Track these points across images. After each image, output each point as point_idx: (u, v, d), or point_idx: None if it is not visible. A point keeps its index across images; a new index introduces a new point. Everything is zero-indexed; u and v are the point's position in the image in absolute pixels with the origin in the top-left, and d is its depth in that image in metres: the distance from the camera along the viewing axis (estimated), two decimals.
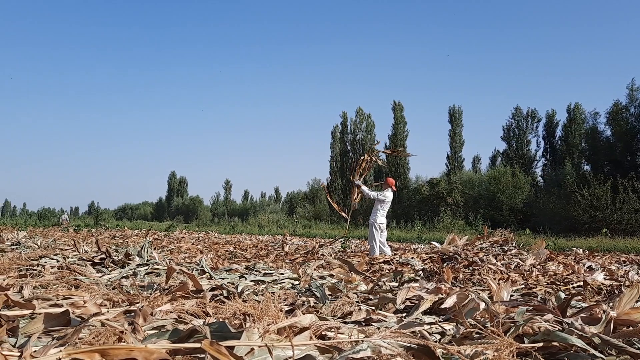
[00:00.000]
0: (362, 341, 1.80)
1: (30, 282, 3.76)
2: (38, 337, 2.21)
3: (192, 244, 11.20)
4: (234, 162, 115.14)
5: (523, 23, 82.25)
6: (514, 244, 8.61)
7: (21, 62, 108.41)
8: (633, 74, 50.12)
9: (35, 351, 1.88)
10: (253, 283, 4.08)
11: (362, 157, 9.78)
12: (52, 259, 5.36)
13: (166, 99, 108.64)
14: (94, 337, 2.13)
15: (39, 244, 8.59)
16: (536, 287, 4.48)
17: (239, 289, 3.62)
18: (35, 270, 4.64)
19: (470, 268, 5.89)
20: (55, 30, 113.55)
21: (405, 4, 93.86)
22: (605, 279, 5.17)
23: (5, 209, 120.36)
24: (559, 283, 4.99)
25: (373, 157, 9.86)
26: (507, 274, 5.38)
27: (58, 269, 4.65)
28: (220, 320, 2.50)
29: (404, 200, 38.29)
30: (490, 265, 5.85)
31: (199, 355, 1.89)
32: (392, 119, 42.66)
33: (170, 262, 5.19)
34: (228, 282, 3.99)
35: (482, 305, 2.66)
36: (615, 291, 4.46)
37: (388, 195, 9.41)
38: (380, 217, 9.38)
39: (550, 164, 37.85)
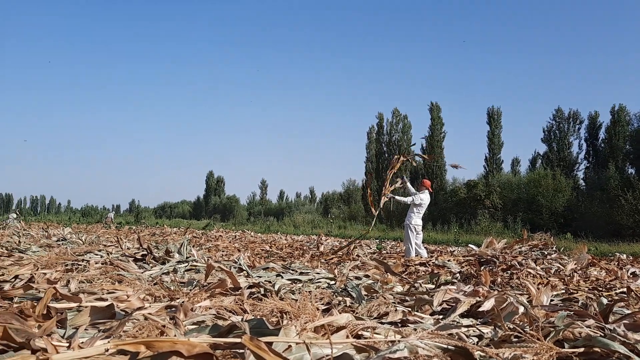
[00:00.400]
0: (399, 341, 1.81)
1: (76, 276, 3.89)
2: (85, 329, 2.30)
3: (229, 242, 11.37)
4: (270, 162, 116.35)
5: (565, 22, 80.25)
6: (554, 249, 8.43)
7: (58, 57, 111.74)
8: None
9: (82, 342, 1.96)
10: (289, 282, 4.12)
11: (396, 156, 9.72)
12: (97, 254, 5.54)
13: (205, 98, 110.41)
14: (137, 330, 2.21)
15: (83, 240, 8.87)
16: (577, 293, 4.38)
17: (276, 287, 3.67)
18: (81, 265, 4.80)
19: (509, 272, 5.80)
20: (98, 26, 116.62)
21: (441, 4, 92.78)
22: None
23: (51, 206, 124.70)
24: (601, 289, 4.87)
25: (409, 159, 9.82)
26: (547, 279, 5.28)
27: (102, 264, 4.80)
28: (258, 317, 2.55)
29: (440, 202, 37.88)
30: (529, 269, 5.76)
31: (238, 350, 1.94)
32: (429, 120, 42.27)
33: (208, 259, 5.29)
34: (265, 281, 4.04)
35: (521, 309, 2.63)
36: None
37: (424, 197, 9.35)
38: (416, 218, 9.33)
39: (593, 167, 36.82)
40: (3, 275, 3.93)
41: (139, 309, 2.66)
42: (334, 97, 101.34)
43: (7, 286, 3.50)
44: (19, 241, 7.99)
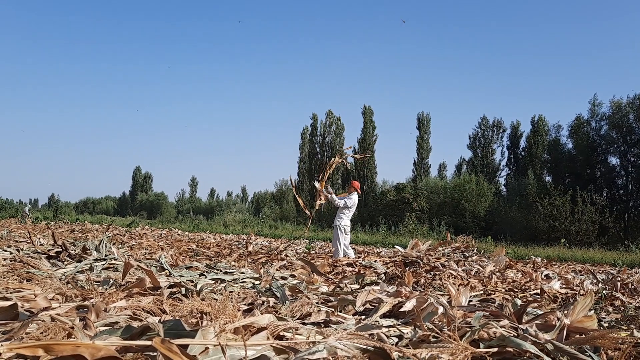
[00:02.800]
0: (319, 342, 1.78)
1: None
2: None
3: (154, 240, 10.99)
4: (201, 160, 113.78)
5: (492, 34, 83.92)
6: (475, 251, 8.75)
7: None
8: (596, 89, 51.81)
9: None
10: (213, 281, 4.02)
11: (333, 159, 9.75)
12: (5, 251, 5.17)
13: (133, 93, 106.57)
14: (42, 332, 2.06)
15: None
16: (494, 294, 4.54)
17: (198, 287, 3.56)
18: None
19: (432, 273, 5.95)
20: (21, 21, 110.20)
21: (378, 9, 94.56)
22: (561, 287, 5.29)
23: None
24: (516, 290, 5.08)
25: (342, 160, 9.90)
26: (467, 280, 5.44)
27: (10, 261, 4.49)
28: (177, 318, 2.45)
29: (370, 204, 38.57)
30: (451, 271, 5.92)
31: (150, 353, 1.84)
32: (361, 123, 43.01)
33: (129, 257, 5.07)
34: (187, 280, 3.91)
35: (441, 310, 2.68)
36: (570, 299, 4.57)
37: (354, 199, 9.47)
38: (346, 219, 9.41)
39: (514, 174, 38.70)
40: None
41: (46, 309, 2.49)
42: (269, 95, 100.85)
43: None
44: None
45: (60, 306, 2.62)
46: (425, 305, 2.81)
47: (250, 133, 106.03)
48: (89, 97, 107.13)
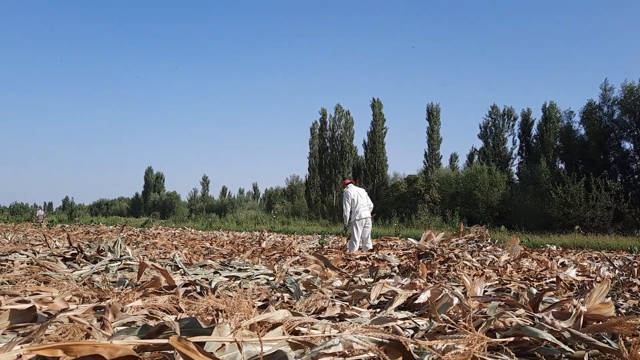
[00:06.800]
0: (334, 336, 1.78)
1: None
2: (2, 334, 2.15)
3: (168, 239, 11.06)
4: (212, 158, 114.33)
5: (500, 22, 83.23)
6: (489, 241, 8.71)
7: None
8: (607, 74, 51.23)
9: None
10: (227, 279, 4.04)
11: None
12: (22, 254, 5.23)
13: (143, 94, 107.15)
14: (60, 334, 2.08)
15: (9, 239, 8.40)
16: (510, 283, 4.52)
17: (213, 285, 3.58)
18: (4, 265, 4.52)
19: (446, 264, 5.93)
20: (26, 22, 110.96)
21: (384, 1, 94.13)
22: (577, 275, 5.26)
23: None
24: (532, 279, 5.04)
25: None
26: (482, 270, 5.42)
27: (27, 264, 4.54)
28: (193, 316, 2.46)
29: (382, 197, 38.48)
30: (465, 262, 5.90)
31: (168, 351, 1.86)
32: (371, 116, 42.90)
33: (143, 257, 5.11)
34: (202, 278, 3.94)
35: (456, 301, 2.67)
36: (587, 287, 4.53)
37: (349, 192, 9.56)
38: (361, 212, 9.49)
39: (526, 162, 38.38)
40: None
41: (64, 310, 2.51)
42: (277, 92, 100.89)
43: None
44: None
45: (77, 307, 2.64)
46: (440, 296, 2.81)
47: (260, 130, 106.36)
48: (97, 100, 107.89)
